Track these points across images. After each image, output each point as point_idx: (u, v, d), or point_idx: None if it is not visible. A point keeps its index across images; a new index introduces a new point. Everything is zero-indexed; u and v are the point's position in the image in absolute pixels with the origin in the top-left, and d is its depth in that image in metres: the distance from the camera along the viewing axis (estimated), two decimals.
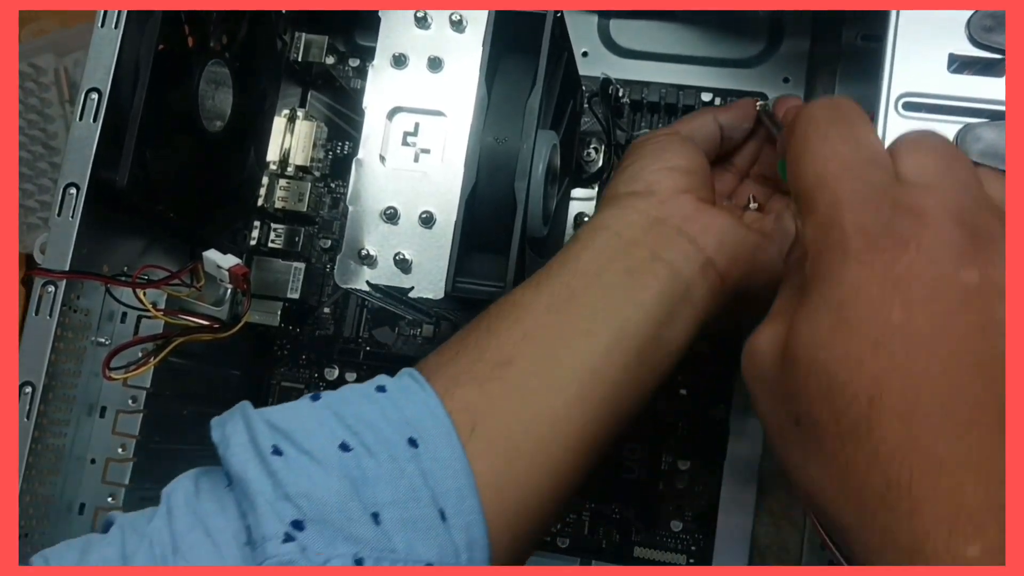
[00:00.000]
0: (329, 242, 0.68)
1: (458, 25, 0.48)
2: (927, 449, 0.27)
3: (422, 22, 0.49)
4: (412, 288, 0.47)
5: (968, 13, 0.43)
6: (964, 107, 0.42)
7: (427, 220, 0.47)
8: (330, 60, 0.67)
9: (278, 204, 0.65)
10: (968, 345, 0.28)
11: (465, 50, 0.48)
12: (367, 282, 0.48)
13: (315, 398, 0.38)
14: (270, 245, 0.65)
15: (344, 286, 0.48)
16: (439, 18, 0.49)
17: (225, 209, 0.61)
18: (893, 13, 0.43)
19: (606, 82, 0.64)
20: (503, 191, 0.48)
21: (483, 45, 0.48)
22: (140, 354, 0.54)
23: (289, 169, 0.65)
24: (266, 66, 0.63)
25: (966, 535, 0.26)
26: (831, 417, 0.29)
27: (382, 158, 0.49)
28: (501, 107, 0.48)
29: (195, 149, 0.56)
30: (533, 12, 0.48)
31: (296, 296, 0.64)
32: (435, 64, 0.48)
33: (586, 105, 0.64)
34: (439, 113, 0.48)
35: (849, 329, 0.29)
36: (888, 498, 0.27)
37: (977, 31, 0.46)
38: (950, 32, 0.43)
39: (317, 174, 0.67)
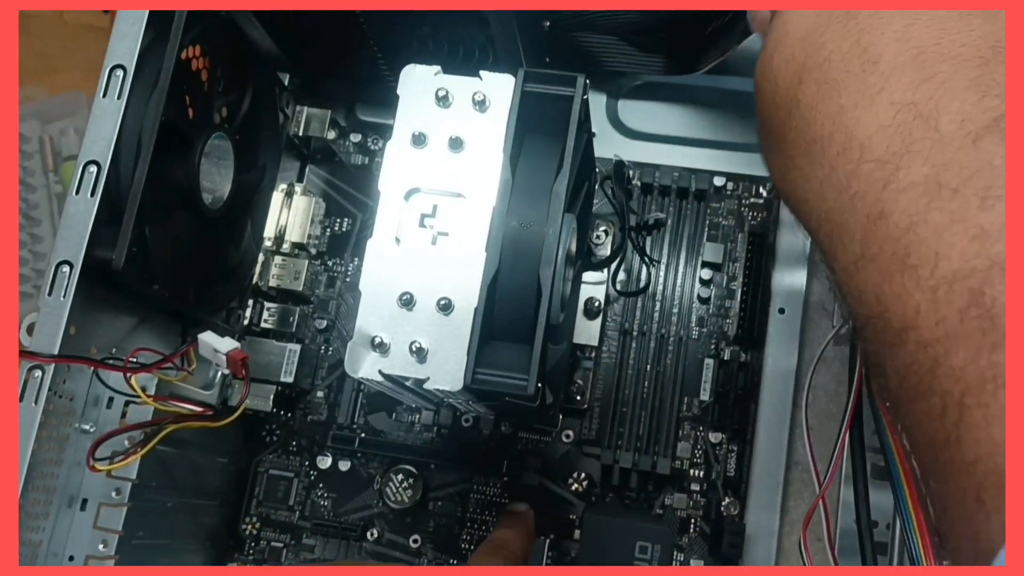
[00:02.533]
0: (324, 322, 0.65)
1: (481, 105, 0.46)
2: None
3: (443, 101, 0.47)
4: (428, 379, 0.44)
5: None
6: None
7: (445, 307, 0.45)
8: (331, 135, 0.65)
9: (273, 282, 0.62)
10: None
11: (488, 130, 0.46)
12: (380, 372, 0.45)
13: None
14: (262, 325, 0.62)
15: (355, 375, 0.45)
16: (461, 97, 0.47)
17: (221, 288, 0.58)
18: None
19: (619, 164, 0.62)
20: (526, 277, 0.45)
21: (507, 127, 0.46)
22: (127, 442, 0.50)
23: (285, 246, 0.63)
24: (267, 139, 0.60)
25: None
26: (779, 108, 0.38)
27: (397, 240, 0.46)
28: (524, 190, 0.46)
29: (194, 226, 0.53)
30: (560, 92, 0.46)
31: (290, 379, 0.61)
32: (456, 144, 0.46)
33: (597, 186, 0.63)
34: (459, 195, 0.46)
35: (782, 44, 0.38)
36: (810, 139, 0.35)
37: None
38: None
39: (314, 252, 0.65)
